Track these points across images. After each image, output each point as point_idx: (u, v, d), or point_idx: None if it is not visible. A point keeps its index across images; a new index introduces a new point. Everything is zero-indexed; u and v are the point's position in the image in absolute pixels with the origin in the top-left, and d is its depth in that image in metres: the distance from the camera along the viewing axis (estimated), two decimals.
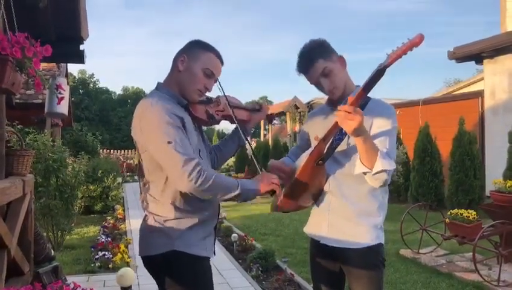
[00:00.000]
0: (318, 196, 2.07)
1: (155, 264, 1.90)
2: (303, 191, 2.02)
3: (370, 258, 1.99)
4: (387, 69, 1.63)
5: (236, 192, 1.82)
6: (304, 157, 1.99)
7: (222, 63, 2.01)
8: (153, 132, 1.78)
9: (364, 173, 1.86)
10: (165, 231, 1.85)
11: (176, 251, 1.83)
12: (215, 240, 2.05)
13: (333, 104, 2.09)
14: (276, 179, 1.91)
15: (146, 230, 1.93)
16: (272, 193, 1.92)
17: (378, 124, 1.94)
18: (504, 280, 4.36)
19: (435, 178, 9.16)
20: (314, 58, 1.97)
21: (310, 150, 1.97)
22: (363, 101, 1.89)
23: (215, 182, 1.76)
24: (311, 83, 2.06)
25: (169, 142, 1.73)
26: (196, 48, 1.96)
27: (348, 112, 1.68)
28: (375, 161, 1.81)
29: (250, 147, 2.11)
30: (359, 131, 1.73)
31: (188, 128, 1.85)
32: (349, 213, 1.99)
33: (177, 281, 1.86)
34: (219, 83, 2.05)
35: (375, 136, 1.93)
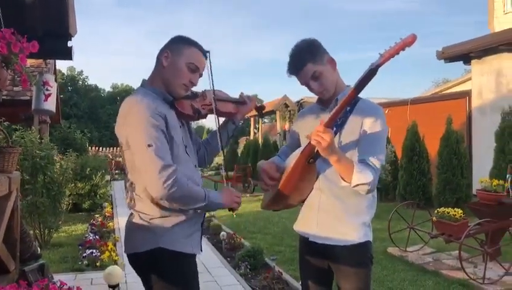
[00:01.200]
0: (308, 195, 2.08)
1: (141, 261, 1.90)
2: (294, 189, 2.03)
3: (358, 255, 2.01)
4: (379, 68, 1.65)
5: (203, 203, 1.84)
6: (295, 155, 2.00)
7: (206, 56, 2.00)
8: (135, 132, 1.78)
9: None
10: (151, 229, 1.85)
11: (162, 248, 1.83)
12: (201, 237, 2.05)
13: (323, 103, 2.11)
14: (238, 199, 1.97)
15: (131, 228, 1.93)
16: (231, 210, 1.98)
17: (367, 125, 1.96)
18: (489, 278, 4.41)
19: (422, 177, 9.24)
20: (304, 62, 1.98)
21: (301, 148, 1.98)
22: (350, 105, 1.90)
23: (187, 192, 1.78)
24: (301, 84, 2.07)
25: (149, 145, 1.73)
26: (179, 43, 1.96)
27: (319, 132, 1.73)
28: (352, 175, 1.85)
29: (223, 151, 2.15)
30: (329, 150, 1.77)
31: (172, 126, 1.85)
32: (338, 211, 2.01)
33: (162, 278, 1.86)
34: (211, 75, 2.05)
35: (364, 138, 1.95)
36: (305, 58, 1.98)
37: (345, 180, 1.89)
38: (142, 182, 1.82)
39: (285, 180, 1.99)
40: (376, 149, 1.93)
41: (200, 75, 2.00)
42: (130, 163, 1.86)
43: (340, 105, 1.74)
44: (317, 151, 1.89)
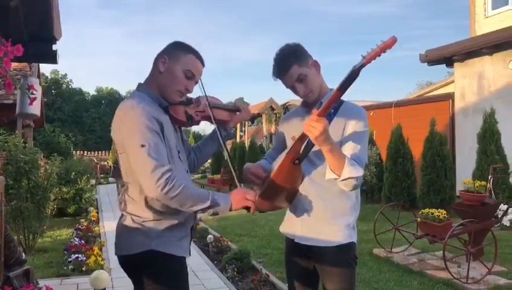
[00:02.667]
0: (294, 196, 2.11)
1: (132, 263, 1.90)
2: (279, 191, 2.05)
3: (342, 256, 2.05)
4: (361, 71, 1.69)
5: (206, 205, 1.80)
6: (281, 157, 2.02)
7: (203, 64, 2.02)
8: (130, 134, 1.78)
9: (335, 179, 1.92)
10: (143, 231, 1.86)
11: (154, 250, 1.84)
12: (191, 240, 2.06)
13: (308, 106, 2.14)
14: (251, 196, 1.89)
15: (123, 229, 1.92)
16: (247, 209, 1.91)
17: (351, 127, 2.00)
18: (472, 277, 4.48)
19: (407, 178, 9.33)
20: (289, 64, 2.01)
21: (287, 149, 2.00)
22: (337, 104, 1.94)
23: (183, 192, 1.75)
24: (286, 87, 2.10)
25: (142, 145, 1.74)
26: (177, 49, 1.98)
27: (311, 121, 1.75)
28: (342, 168, 1.87)
29: (228, 152, 2.13)
30: (322, 139, 1.79)
31: (167, 131, 1.86)
32: (323, 213, 2.03)
33: (154, 280, 1.87)
34: (201, 83, 2.06)
35: (347, 138, 1.99)
36: (291, 61, 2.01)
37: (334, 173, 1.90)
38: (138, 185, 1.82)
39: (270, 182, 2.01)
40: (358, 149, 1.97)
41: (196, 82, 2.01)
42: (125, 166, 1.87)
43: (329, 99, 1.76)
44: (302, 152, 1.92)
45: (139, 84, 2.00)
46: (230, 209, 1.88)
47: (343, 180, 1.89)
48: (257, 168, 2.13)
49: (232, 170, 2.03)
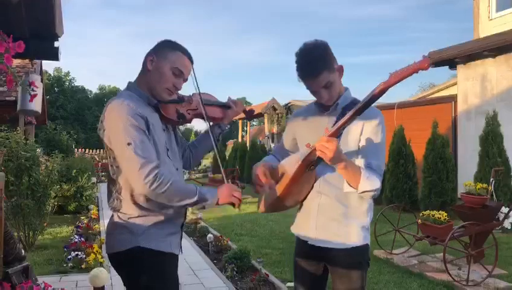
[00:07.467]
0: (305, 197, 2.09)
1: (120, 260, 1.92)
2: (293, 194, 2.05)
3: (356, 258, 2.04)
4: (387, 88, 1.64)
5: (193, 199, 1.82)
6: (293, 161, 1.98)
7: (191, 61, 2.02)
8: (115, 132, 1.80)
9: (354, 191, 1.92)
10: (129, 228, 1.87)
11: (140, 247, 1.85)
12: (181, 238, 2.07)
13: (322, 105, 2.06)
14: (238, 193, 1.89)
15: (111, 228, 1.95)
16: (232, 205, 1.92)
17: (369, 131, 1.97)
18: (473, 280, 4.46)
19: (409, 180, 9.31)
20: (319, 70, 1.91)
21: (301, 155, 1.94)
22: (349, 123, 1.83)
23: (171, 188, 1.77)
24: (310, 90, 2.02)
25: (128, 144, 1.75)
26: (165, 48, 1.98)
27: (323, 143, 1.74)
28: (359, 182, 1.87)
29: (218, 152, 2.13)
30: (336, 160, 1.78)
31: (154, 129, 1.87)
32: (338, 214, 2.01)
33: (142, 276, 1.88)
34: (195, 80, 2.05)
35: (365, 144, 1.96)
36: (320, 66, 1.92)
37: (351, 186, 1.90)
38: (123, 182, 1.85)
39: (285, 189, 2.00)
40: (379, 155, 1.97)
41: (185, 80, 2.01)
42: (113, 164, 1.89)
43: (343, 120, 1.73)
44: (318, 158, 1.88)
45: (129, 83, 2.01)
46: (217, 204, 1.89)
47: (360, 193, 1.90)
48: (264, 170, 2.03)
49: (221, 169, 2.05)
